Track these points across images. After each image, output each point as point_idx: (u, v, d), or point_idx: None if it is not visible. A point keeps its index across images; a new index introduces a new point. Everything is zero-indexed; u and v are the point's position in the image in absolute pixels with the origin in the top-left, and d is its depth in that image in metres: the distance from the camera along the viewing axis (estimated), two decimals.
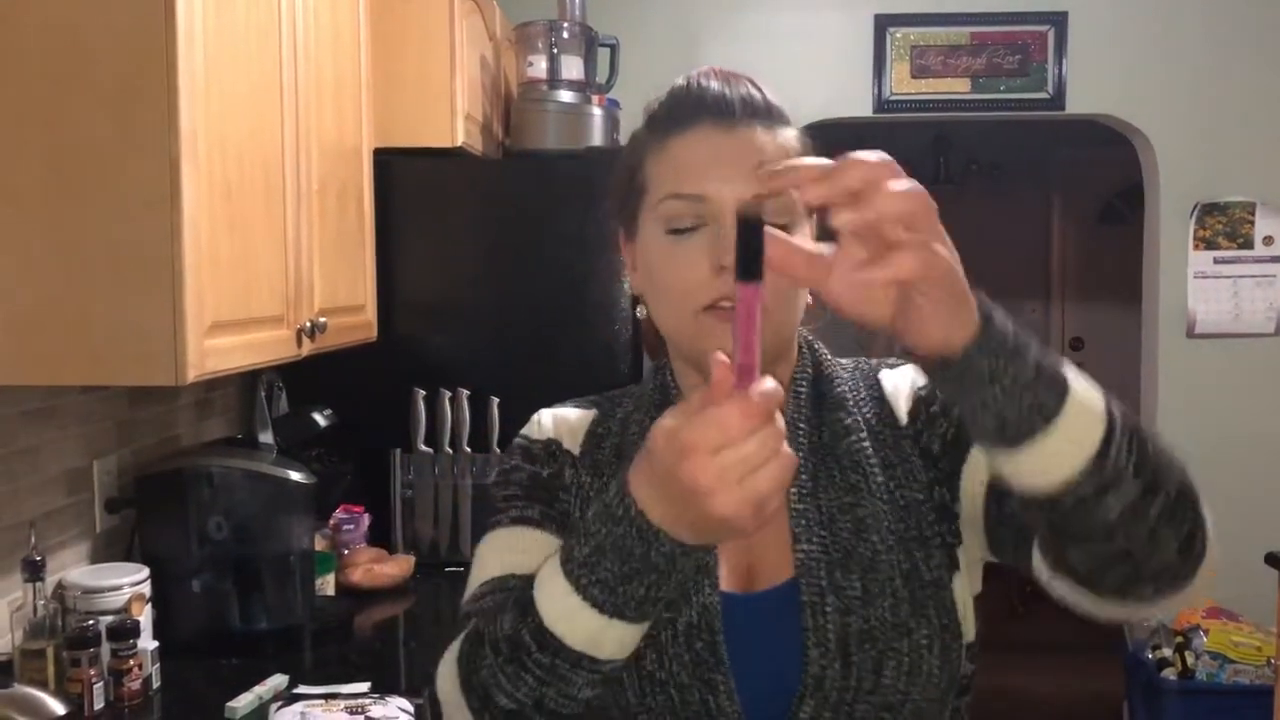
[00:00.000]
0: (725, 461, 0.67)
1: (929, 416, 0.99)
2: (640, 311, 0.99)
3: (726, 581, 0.96)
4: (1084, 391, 0.75)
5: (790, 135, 0.97)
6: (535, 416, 1.08)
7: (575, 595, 0.78)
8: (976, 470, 0.94)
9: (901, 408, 1.01)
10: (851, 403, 1.01)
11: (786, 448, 0.69)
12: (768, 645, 0.94)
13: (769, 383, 0.68)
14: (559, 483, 1.02)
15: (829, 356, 1.06)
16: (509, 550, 0.98)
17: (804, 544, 0.94)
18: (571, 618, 0.79)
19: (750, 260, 0.65)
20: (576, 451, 1.03)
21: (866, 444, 0.98)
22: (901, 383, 1.02)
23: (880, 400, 1.01)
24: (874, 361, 1.06)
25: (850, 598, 0.92)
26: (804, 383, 1.02)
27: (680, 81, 0.99)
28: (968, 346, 0.71)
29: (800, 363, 1.03)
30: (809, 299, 0.99)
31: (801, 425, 0.99)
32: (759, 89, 0.97)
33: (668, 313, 0.96)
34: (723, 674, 0.92)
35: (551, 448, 1.04)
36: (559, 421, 1.06)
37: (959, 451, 0.96)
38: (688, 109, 0.96)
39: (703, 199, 0.92)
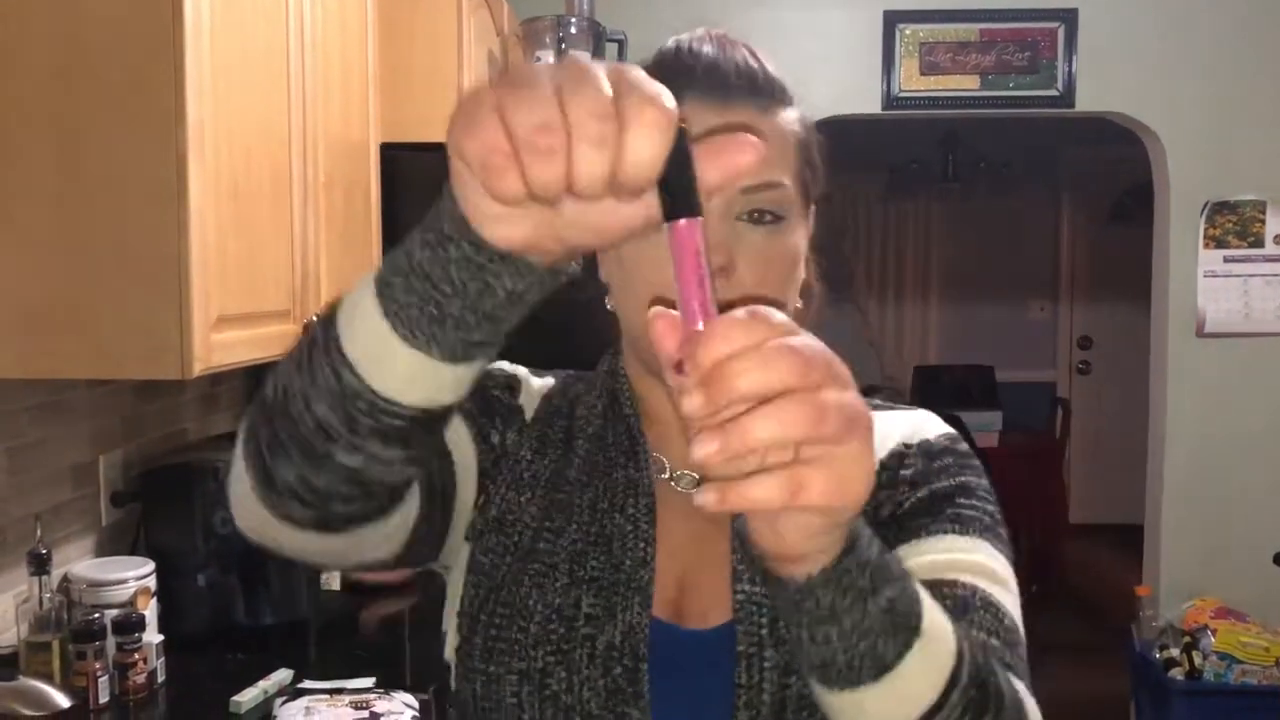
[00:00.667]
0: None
1: (897, 480, 0.86)
2: (609, 303, 0.89)
3: (663, 608, 0.84)
4: (935, 640, 0.63)
5: (791, 118, 0.86)
6: (499, 363, 0.96)
7: (368, 283, 0.62)
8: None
9: (876, 456, 0.89)
10: None
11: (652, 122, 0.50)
12: (693, 690, 0.82)
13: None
14: (500, 409, 0.91)
15: None
16: None
17: (745, 584, 0.82)
18: (357, 297, 0.62)
19: (682, 191, 0.51)
20: (529, 416, 0.92)
21: None
22: (889, 433, 0.89)
23: None
24: (873, 400, 0.91)
25: (793, 656, 0.78)
26: None
27: (669, 44, 0.88)
28: (812, 576, 0.58)
29: None
30: (798, 302, 0.88)
31: None
32: (758, 60, 0.86)
33: (633, 310, 0.85)
34: (640, 708, 0.80)
35: (513, 383, 0.94)
36: (523, 375, 0.96)
37: (900, 534, 0.83)
38: (672, 80, 0.85)
39: None
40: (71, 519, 2.00)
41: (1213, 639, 3.49)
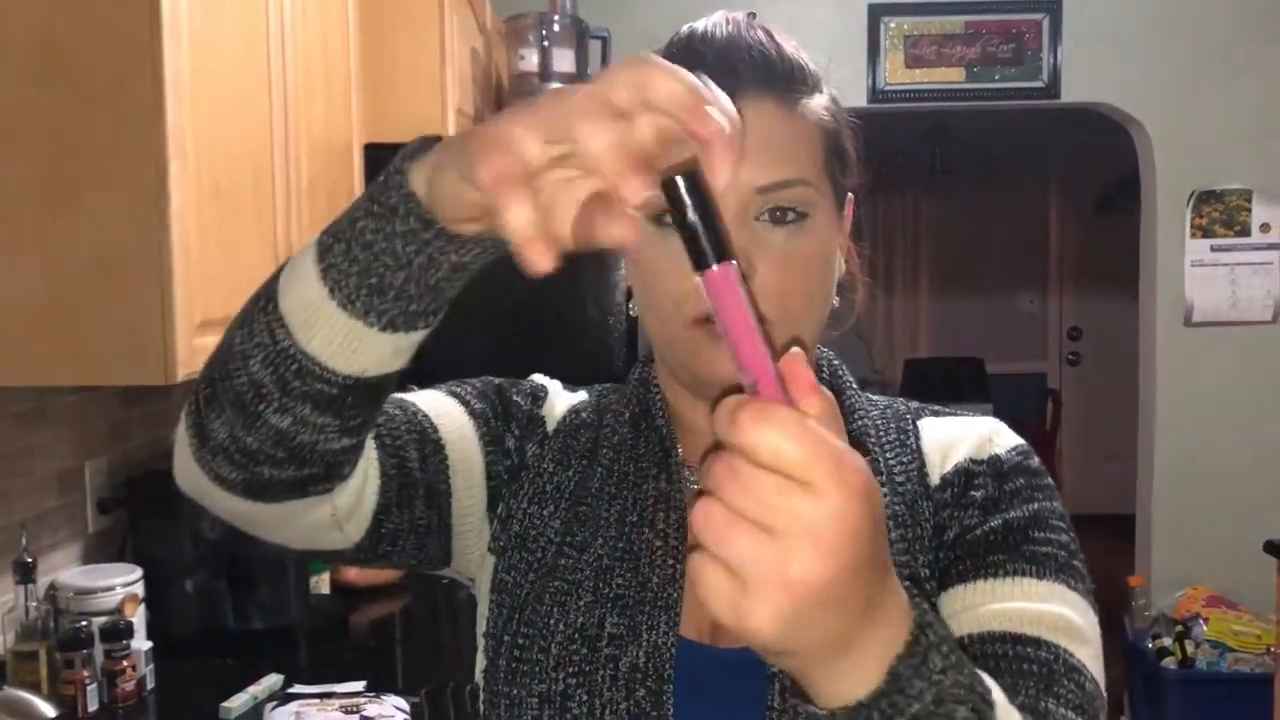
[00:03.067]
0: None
1: (966, 501, 0.81)
2: (632, 308, 0.86)
3: (690, 628, 0.79)
4: None
5: (813, 105, 0.80)
6: (534, 375, 0.95)
7: (313, 245, 0.62)
8: (963, 606, 0.76)
9: (938, 466, 0.83)
10: (873, 441, 0.84)
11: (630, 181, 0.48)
12: (721, 714, 0.77)
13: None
14: (519, 416, 0.88)
15: (854, 385, 0.89)
16: (426, 394, 0.85)
17: None
18: (295, 264, 0.63)
19: (709, 236, 0.48)
20: (550, 428, 0.89)
21: (885, 490, 0.81)
22: (954, 443, 0.84)
23: (912, 449, 0.84)
24: (913, 404, 0.90)
25: None
26: None
27: (682, 31, 0.82)
28: (848, 707, 0.50)
29: None
30: (834, 300, 0.83)
31: None
32: (776, 44, 0.80)
33: (655, 321, 0.81)
34: None
35: (539, 393, 0.90)
36: (553, 389, 0.93)
37: (971, 568, 0.77)
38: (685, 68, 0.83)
39: None
40: (57, 526, 1.99)
41: (1205, 628, 3.50)
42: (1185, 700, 3.49)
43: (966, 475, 0.82)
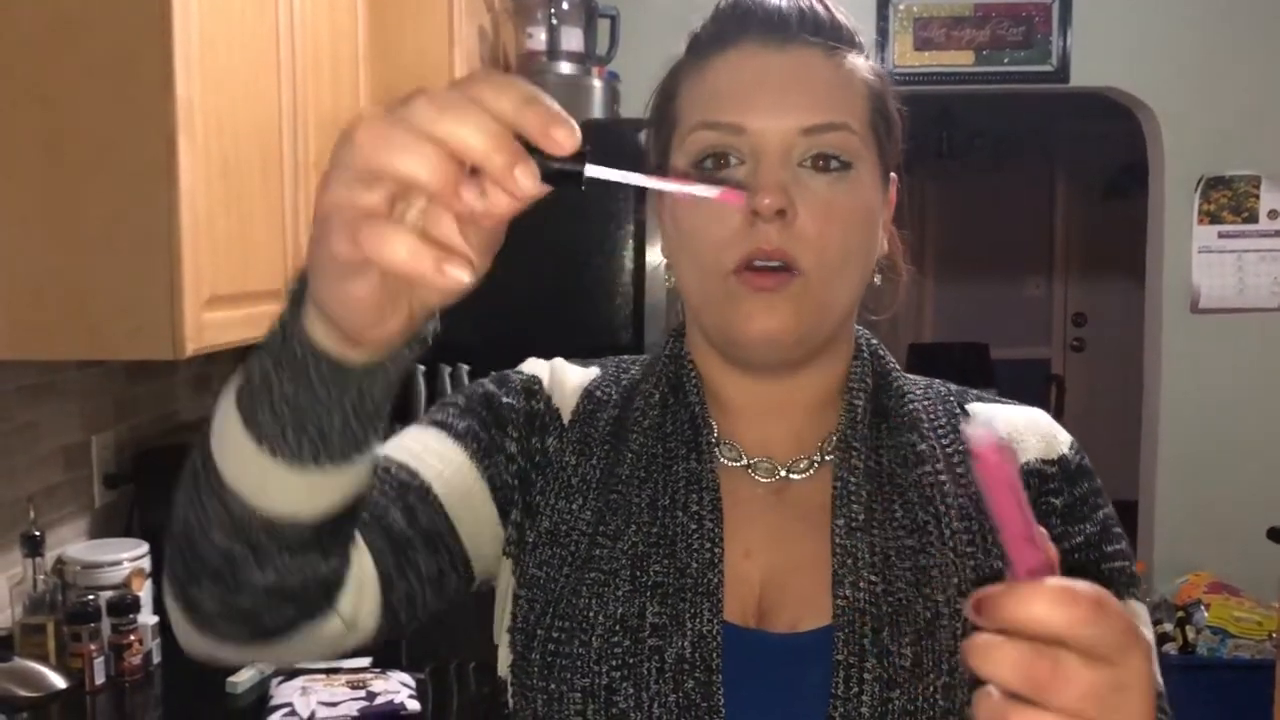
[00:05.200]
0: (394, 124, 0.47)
1: (1046, 508, 0.80)
2: (667, 279, 0.88)
3: (739, 613, 0.77)
4: None
5: (860, 64, 0.79)
6: (528, 360, 0.90)
7: (232, 412, 0.59)
8: None
9: None
10: (927, 425, 0.82)
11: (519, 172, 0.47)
12: (777, 702, 0.75)
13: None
14: (515, 417, 0.84)
15: (896, 365, 0.86)
16: (403, 440, 0.81)
17: (848, 589, 0.74)
18: (220, 435, 0.59)
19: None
20: (566, 418, 0.84)
21: (944, 478, 0.79)
22: (1014, 436, 0.82)
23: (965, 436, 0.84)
24: (952, 387, 0.88)
25: (897, 667, 0.72)
26: (860, 392, 0.82)
27: None
28: None
29: (857, 364, 0.84)
30: (875, 276, 0.81)
31: (856, 445, 0.80)
32: (825, 4, 0.80)
33: (692, 273, 0.78)
34: None
35: (532, 385, 0.86)
36: (554, 372, 0.88)
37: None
38: (732, 24, 0.79)
39: (741, 130, 0.75)
40: (64, 501, 2.00)
41: (1206, 614, 3.50)
42: (1185, 686, 3.50)
43: (1042, 478, 0.81)
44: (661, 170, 0.81)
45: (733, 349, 0.80)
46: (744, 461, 0.82)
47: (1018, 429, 0.83)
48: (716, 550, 0.77)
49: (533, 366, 0.89)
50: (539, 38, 2.84)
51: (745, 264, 0.74)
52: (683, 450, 0.81)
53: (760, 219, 0.73)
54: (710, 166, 0.76)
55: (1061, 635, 0.44)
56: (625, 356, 0.92)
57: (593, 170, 0.48)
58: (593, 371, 0.89)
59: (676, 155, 0.79)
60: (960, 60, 3.72)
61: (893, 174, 0.83)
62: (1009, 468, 0.45)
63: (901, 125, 0.83)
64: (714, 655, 0.74)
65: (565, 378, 0.87)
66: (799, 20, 0.78)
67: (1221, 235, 3.74)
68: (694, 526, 0.78)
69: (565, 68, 2.82)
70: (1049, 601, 0.44)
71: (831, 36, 0.78)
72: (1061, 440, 0.84)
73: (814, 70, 0.77)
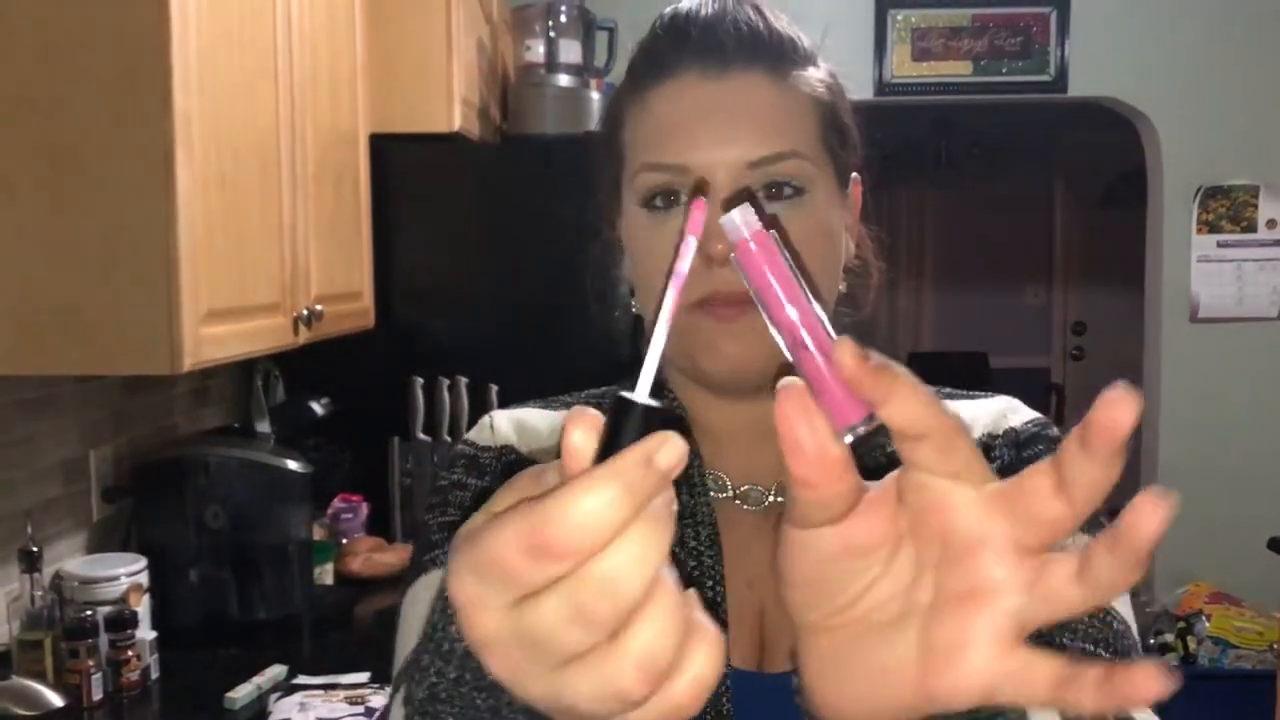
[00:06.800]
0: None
1: None
2: (634, 305, 0.81)
3: (735, 655, 0.74)
4: None
5: (810, 79, 0.77)
6: (485, 419, 0.84)
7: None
8: None
9: None
10: None
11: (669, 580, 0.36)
12: None
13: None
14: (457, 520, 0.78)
15: None
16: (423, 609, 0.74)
17: None
18: None
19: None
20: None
21: None
22: (970, 421, 0.78)
23: None
24: (945, 390, 0.84)
25: None
26: None
27: (665, 13, 0.79)
28: None
29: None
30: (840, 285, 0.79)
31: None
32: (763, 17, 0.77)
33: (652, 309, 0.75)
34: None
35: (506, 456, 0.81)
36: (519, 427, 0.83)
37: None
38: (669, 50, 0.76)
39: (685, 170, 0.73)
40: (62, 515, 1.99)
41: (1207, 624, 3.50)
42: (1186, 696, 3.47)
43: (984, 450, 0.78)
44: (614, 202, 0.79)
45: (702, 378, 0.78)
46: (730, 493, 0.80)
47: (973, 414, 0.80)
48: (719, 589, 0.74)
49: (500, 430, 0.83)
50: (537, 50, 2.84)
51: (703, 301, 0.72)
52: (673, 484, 0.77)
53: (715, 261, 0.70)
54: (661, 205, 0.74)
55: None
56: (593, 391, 0.87)
57: (640, 393, 0.40)
58: (561, 414, 0.84)
59: (627, 194, 0.77)
60: (958, 70, 3.72)
61: (854, 174, 0.80)
62: (767, 251, 0.41)
63: (858, 130, 0.80)
64: (723, 701, 0.71)
65: (534, 430, 0.83)
66: (736, 44, 0.75)
67: (1220, 245, 3.74)
68: (692, 563, 0.75)
69: (563, 80, 2.82)
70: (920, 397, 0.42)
71: (773, 55, 0.76)
72: (1016, 418, 0.81)
73: (757, 97, 0.74)
